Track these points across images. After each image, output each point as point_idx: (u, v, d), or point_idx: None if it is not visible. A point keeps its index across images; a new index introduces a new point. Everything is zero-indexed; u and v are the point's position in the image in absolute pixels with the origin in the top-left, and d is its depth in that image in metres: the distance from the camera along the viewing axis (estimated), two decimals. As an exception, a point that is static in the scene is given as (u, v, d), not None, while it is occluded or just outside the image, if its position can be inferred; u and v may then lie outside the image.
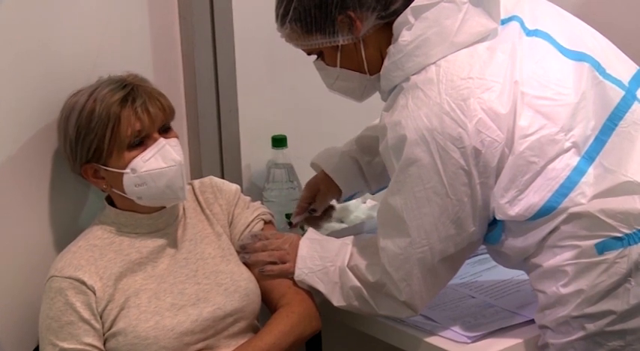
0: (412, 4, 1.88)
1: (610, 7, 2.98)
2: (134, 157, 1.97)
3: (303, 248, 2.08)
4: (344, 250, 2.04)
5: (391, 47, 1.91)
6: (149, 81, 2.05)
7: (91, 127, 1.96)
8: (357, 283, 1.99)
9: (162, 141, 1.98)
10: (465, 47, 1.86)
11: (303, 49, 2.00)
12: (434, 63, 1.86)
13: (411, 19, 1.88)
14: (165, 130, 2.01)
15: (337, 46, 1.95)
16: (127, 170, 1.97)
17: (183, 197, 2.03)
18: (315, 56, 2.02)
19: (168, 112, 2.01)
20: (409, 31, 1.88)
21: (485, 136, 1.81)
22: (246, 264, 2.11)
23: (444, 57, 1.86)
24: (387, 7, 1.90)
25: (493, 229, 1.93)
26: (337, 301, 2.03)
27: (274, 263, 2.10)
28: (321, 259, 2.05)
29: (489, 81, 1.83)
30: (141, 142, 1.98)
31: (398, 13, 1.89)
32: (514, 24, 1.92)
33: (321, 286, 2.05)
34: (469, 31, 1.87)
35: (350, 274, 2.00)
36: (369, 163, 2.26)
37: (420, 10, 1.87)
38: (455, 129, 1.81)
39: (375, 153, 2.19)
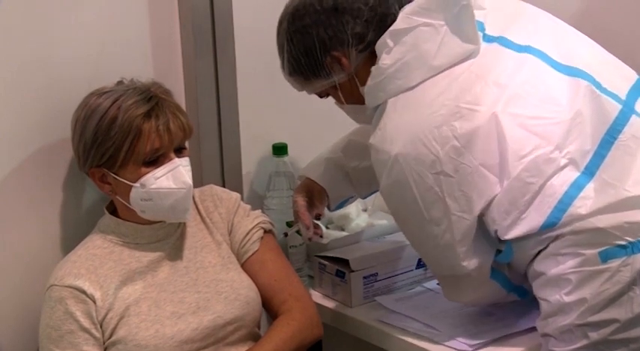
0: (390, 28, 1.92)
1: (610, 16, 2.98)
2: (146, 173, 1.97)
3: None
4: None
5: (373, 68, 1.94)
6: (171, 93, 2.04)
7: (110, 135, 1.95)
8: None
9: (176, 161, 1.98)
10: (444, 70, 1.89)
11: (315, 94, 2.07)
12: (413, 87, 1.89)
13: (390, 43, 1.92)
14: (179, 149, 2.01)
15: (336, 85, 2.01)
16: (137, 184, 1.97)
17: (185, 219, 2.04)
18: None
19: (188, 132, 2.01)
20: (389, 55, 1.92)
21: (458, 162, 1.83)
22: (247, 272, 2.11)
23: (423, 81, 1.89)
24: (361, 41, 1.96)
25: (502, 249, 1.93)
26: None
27: None
28: None
29: (463, 108, 1.84)
30: (156, 159, 1.97)
31: (372, 42, 1.94)
32: (501, 44, 1.93)
33: None
34: (448, 54, 1.89)
35: None
36: (356, 168, 2.25)
37: (399, 34, 1.91)
38: (428, 156, 1.84)
39: (362, 157, 2.19)
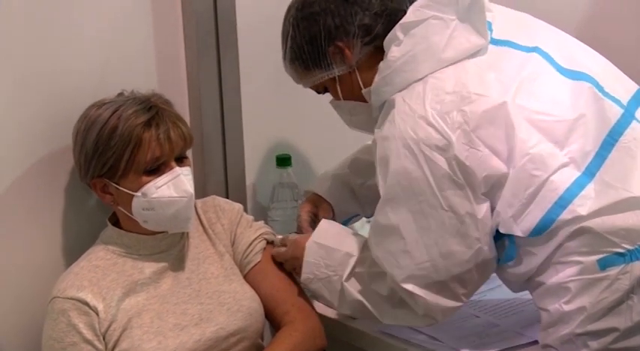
0: (401, 21, 1.92)
1: (611, 28, 2.98)
2: (147, 182, 1.97)
3: (310, 254, 2.06)
4: (347, 261, 2.02)
5: (381, 63, 1.94)
6: (172, 103, 2.05)
7: (110, 144, 1.96)
8: (359, 297, 2.00)
9: (177, 170, 1.98)
10: (452, 63, 1.89)
11: (311, 88, 2.07)
12: (421, 79, 1.89)
13: (400, 36, 1.92)
14: (180, 158, 2.01)
15: (335, 78, 2.01)
16: (138, 194, 1.97)
17: (187, 229, 2.04)
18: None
19: (188, 141, 2.02)
20: (398, 48, 1.92)
21: (467, 147, 1.83)
22: (249, 283, 2.11)
23: (431, 73, 1.89)
24: (368, 33, 1.96)
25: (506, 245, 1.91)
26: (341, 309, 2.06)
27: None
28: (326, 267, 2.04)
29: (472, 94, 1.84)
30: (157, 168, 1.98)
31: (379, 37, 1.95)
32: (508, 46, 1.93)
33: (326, 294, 2.05)
34: (457, 48, 1.90)
35: (349, 288, 2.00)
36: (362, 186, 2.25)
37: (409, 27, 1.92)
38: (440, 140, 1.83)
39: (368, 175, 2.19)
